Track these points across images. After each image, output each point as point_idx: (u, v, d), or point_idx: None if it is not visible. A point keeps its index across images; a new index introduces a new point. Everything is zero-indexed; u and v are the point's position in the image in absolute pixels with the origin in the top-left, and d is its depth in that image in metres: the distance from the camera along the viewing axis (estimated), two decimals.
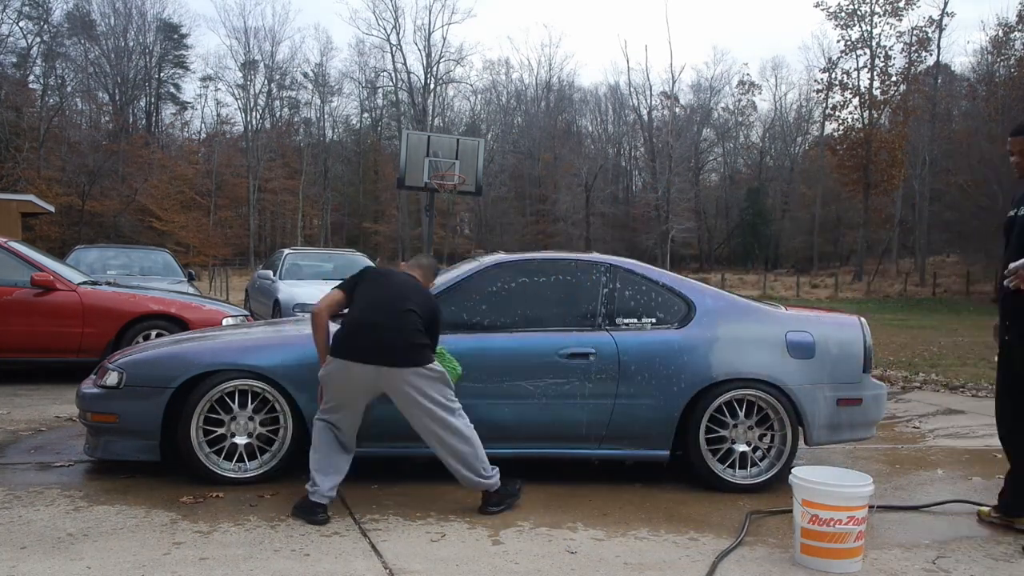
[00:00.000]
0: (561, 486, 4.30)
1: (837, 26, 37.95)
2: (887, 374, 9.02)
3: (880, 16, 37.22)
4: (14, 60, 43.13)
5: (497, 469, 3.86)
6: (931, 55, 38.77)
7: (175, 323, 7.25)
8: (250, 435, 4.17)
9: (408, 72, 53.35)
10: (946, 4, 38.26)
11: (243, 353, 4.21)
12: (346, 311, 3.87)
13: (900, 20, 37.20)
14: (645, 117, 53.84)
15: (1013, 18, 36.73)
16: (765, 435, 4.41)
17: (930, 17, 38.64)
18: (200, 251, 42.29)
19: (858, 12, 37.42)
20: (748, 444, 4.37)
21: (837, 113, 38.47)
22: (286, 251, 12.26)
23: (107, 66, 48.51)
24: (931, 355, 11.73)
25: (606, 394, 4.25)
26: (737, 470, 4.35)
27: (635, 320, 4.41)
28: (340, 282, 4.01)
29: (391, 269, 4.09)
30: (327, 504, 3.67)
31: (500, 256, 4.75)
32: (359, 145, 57.33)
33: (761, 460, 4.40)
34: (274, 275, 10.90)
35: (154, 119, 53.78)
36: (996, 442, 5.93)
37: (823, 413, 4.40)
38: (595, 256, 4.85)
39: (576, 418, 4.27)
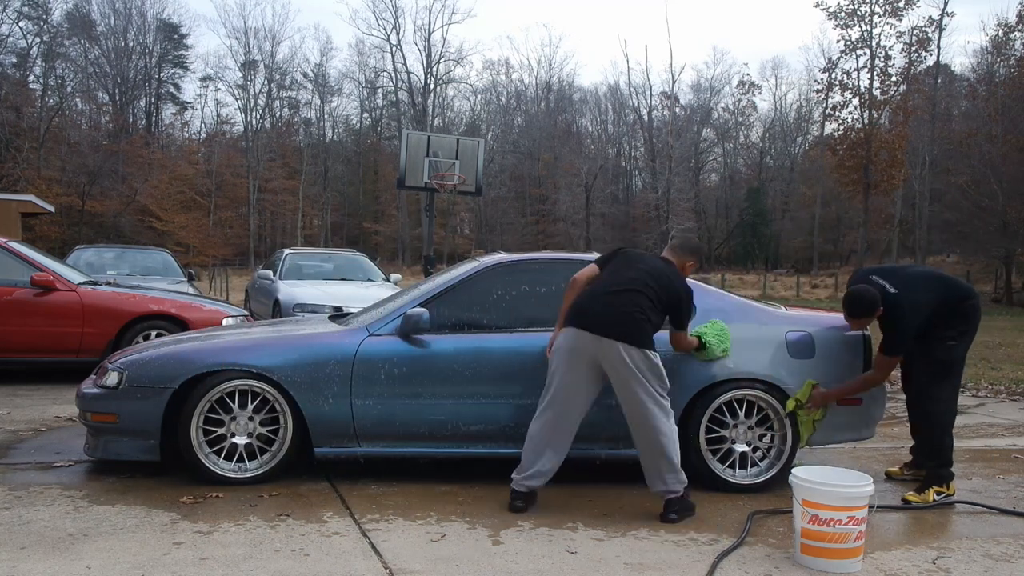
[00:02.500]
0: (561, 486, 4.29)
1: (837, 26, 37.90)
2: None
3: (880, 16, 37.16)
4: (14, 60, 43.16)
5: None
6: (931, 55, 38.73)
7: (175, 323, 7.25)
8: (250, 435, 4.17)
9: (408, 72, 53.46)
10: (946, 4, 38.27)
11: (243, 353, 4.21)
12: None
13: (900, 20, 37.12)
14: (645, 117, 53.85)
15: (1013, 18, 36.71)
16: (765, 435, 4.41)
17: (930, 17, 38.56)
18: (200, 251, 42.31)
19: (858, 12, 37.35)
20: (748, 444, 4.37)
21: (837, 113, 38.42)
22: (286, 251, 12.25)
23: (107, 66, 48.54)
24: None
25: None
26: (737, 470, 4.34)
27: None
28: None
29: (643, 253, 4.19)
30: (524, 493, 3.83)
31: (500, 256, 4.74)
32: (359, 145, 57.34)
33: (761, 460, 4.40)
34: (274, 275, 10.89)
35: (154, 119, 53.83)
36: (996, 442, 5.96)
37: (823, 413, 4.39)
38: (595, 256, 4.85)
39: None
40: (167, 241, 37.87)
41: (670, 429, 3.78)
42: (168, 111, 55.90)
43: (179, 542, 3.30)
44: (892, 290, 4.25)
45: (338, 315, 5.61)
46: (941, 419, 4.37)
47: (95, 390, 4.26)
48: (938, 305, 4.28)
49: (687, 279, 4.13)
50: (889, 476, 4.79)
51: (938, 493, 4.30)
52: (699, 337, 4.22)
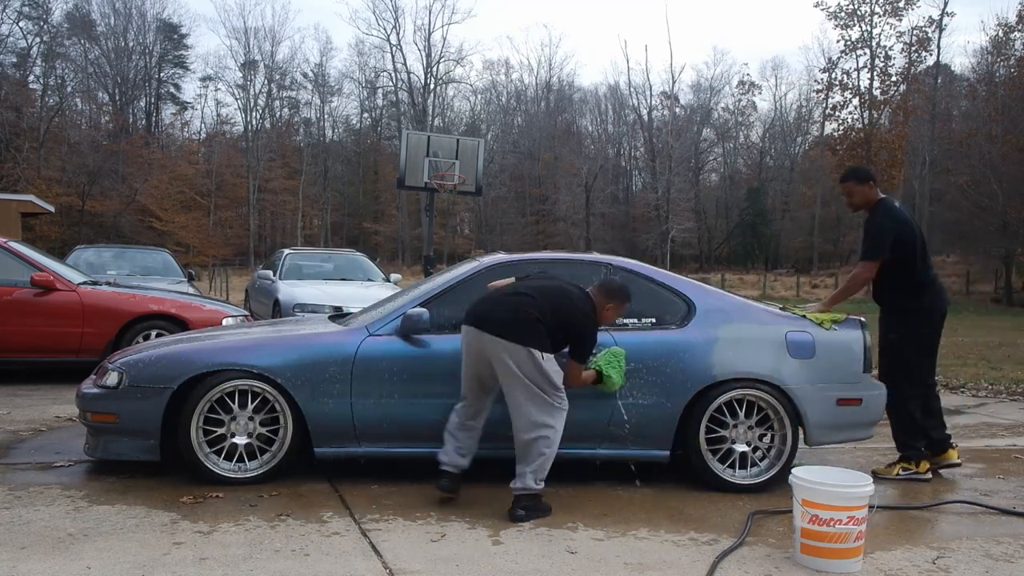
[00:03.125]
0: (561, 486, 4.30)
1: (837, 26, 37.90)
2: None
3: (880, 16, 37.16)
4: (14, 60, 43.16)
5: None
6: (931, 55, 38.75)
7: (175, 323, 7.25)
8: (250, 435, 4.17)
9: (408, 72, 53.45)
10: (946, 4, 38.28)
11: (243, 353, 4.21)
12: None
13: (900, 20, 37.13)
14: (645, 117, 53.85)
15: (1013, 18, 36.69)
16: (765, 435, 4.40)
17: (930, 17, 38.59)
18: (200, 251, 42.30)
19: (858, 12, 37.35)
20: (748, 444, 4.37)
21: (837, 113, 38.41)
22: (286, 251, 12.25)
23: (107, 66, 48.53)
24: None
25: (606, 394, 4.25)
26: (737, 470, 4.34)
27: (635, 320, 4.41)
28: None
29: (558, 278, 4.16)
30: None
31: (500, 256, 4.75)
32: (359, 145, 57.32)
33: (761, 460, 4.39)
34: (274, 275, 10.89)
35: (154, 119, 53.81)
36: (996, 442, 5.96)
37: (823, 413, 4.40)
38: (595, 256, 4.86)
39: (576, 418, 4.25)
40: (167, 241, 37.84)
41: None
42: (168, 111, 55.99)
43: (179, 542, 3.30)
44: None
45: (338, 315, 5.62)
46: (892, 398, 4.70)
47: (95, 390, 4.26)
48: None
49: (602, 323, 4.01)
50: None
51: (904, 470, 4.70)
52: (597, 370, 4.09)
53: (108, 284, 8.00)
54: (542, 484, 3.80)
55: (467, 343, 3.89)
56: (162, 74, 53.56)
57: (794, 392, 4.34)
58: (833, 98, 38.58)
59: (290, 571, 3.03)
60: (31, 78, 44.35)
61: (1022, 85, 33.12)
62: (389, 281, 11.22)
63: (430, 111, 52.07)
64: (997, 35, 37.69)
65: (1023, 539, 3.71)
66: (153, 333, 7.15)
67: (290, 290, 9.78)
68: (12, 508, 3.68)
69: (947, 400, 7.84)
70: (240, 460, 4.16)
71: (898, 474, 4.70)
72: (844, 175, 5.07)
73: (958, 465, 4.88)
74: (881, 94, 36.98)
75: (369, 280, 11.08)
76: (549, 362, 3.76)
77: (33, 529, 3.41)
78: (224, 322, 7.18)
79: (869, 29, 37.45)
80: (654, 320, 4.43)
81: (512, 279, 4.16)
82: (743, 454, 4.35)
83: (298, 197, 49.30)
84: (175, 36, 53.37)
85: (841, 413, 4.44)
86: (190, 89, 66.24)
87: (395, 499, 4.00)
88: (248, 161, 47.40)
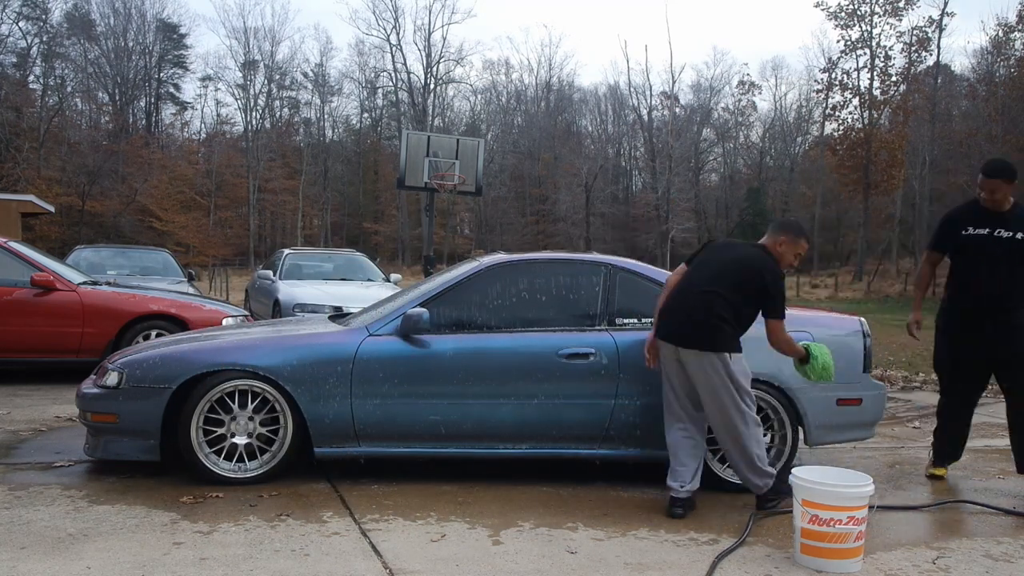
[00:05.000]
0: (561, 486, 4.30)
1: (837, 26, 37.95)
2: (887, 374, 9.01)
3: (880, 16, 37.21)
4: (14, 60, 43.17)
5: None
6: (931, 55, 38.73)
7: (175, 323, 7.25)
8: (250, 435, 4.17)
9: (408, 72, 53.42)
10: (946, 4, 38.22)
11: (243, 353, 4.21)
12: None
13: (900, 20, 37.18)
14: (645, 117, 53.82)
15: (1013, 18, 36.70)
16: (765, 435, 4.40)
17: (930, 17, 38.56)
18: (200, 251, 42.29)
19: (858, 12, 37.39)
20: None
21: (837, 113, 38.46)
22: (286, 251, 12.25)
23: (107, 66, 48.54)
24: (931, 355, 11.70)
25: (606, 394, 4.25)
26: None
27: (635, 320, 4.41)
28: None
29: (732, 242, 4.18)
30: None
31: (500, 256, 4.74)
32: (359, 145, 57.31)
33: None
34: (274, 275, 10.89)
35: (154, 119, 53.82)
36: (996, 442, 5.96)
37: (823, 413, 4.40)
38: (595, 256, 4.85)
39: (576, 418, 4.26)
40: (167, 241, 37.85)
41: (750, 432, 3.85)
42: (168, 111, 55.99)
43: (179, 542, 3.30)
44: None
45: (338, 315, 5.61)
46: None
47: (95, 390, 4.26)
48: None
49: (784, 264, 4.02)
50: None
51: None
52: (807, 348, 4.04)
53: (108, 284, 8.00)
54: (769, 468, 3.91)
55: (665, 357, 3.96)
56: (162, 74, 53.58)
57: (794, 392, 4.34)
58: (833, 98, 38.66)
59: (290, 571, 3.03)
60: (31, 78, 44.43)
61: (1022, 85, 33.14)
62: (389, 281, 11.22)
63: (430, 111, 52.05)
64: (997, 35, 37.76)
65: (1023, 539, 3.71)
66: (153, 333, 7.15)
67: (290, 290, 9.78)
68: (12, 508, 3.68)
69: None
70: (240, 460, 4.16)
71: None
72: (992, 169, 4.46)
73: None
74: (881, 94, 37.01)
75: (369, 280, 11.08)
76: (737, 363, 3.83)
77: (33, 529, 3.41)
78: (224, 322, 7.18)
79: (869, 29, 37.50)
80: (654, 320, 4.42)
81: (683, 266, 4.11)
82: None
83: (298, 197, 49.29)
84: (175, 36, 53.38)
85: (841, 413, 4.45)
86: (190, 89, 66.37)
87: (395, 499, 4.00)
88: (248, 161, 47.39)
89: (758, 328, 4.44)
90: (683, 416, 3.94)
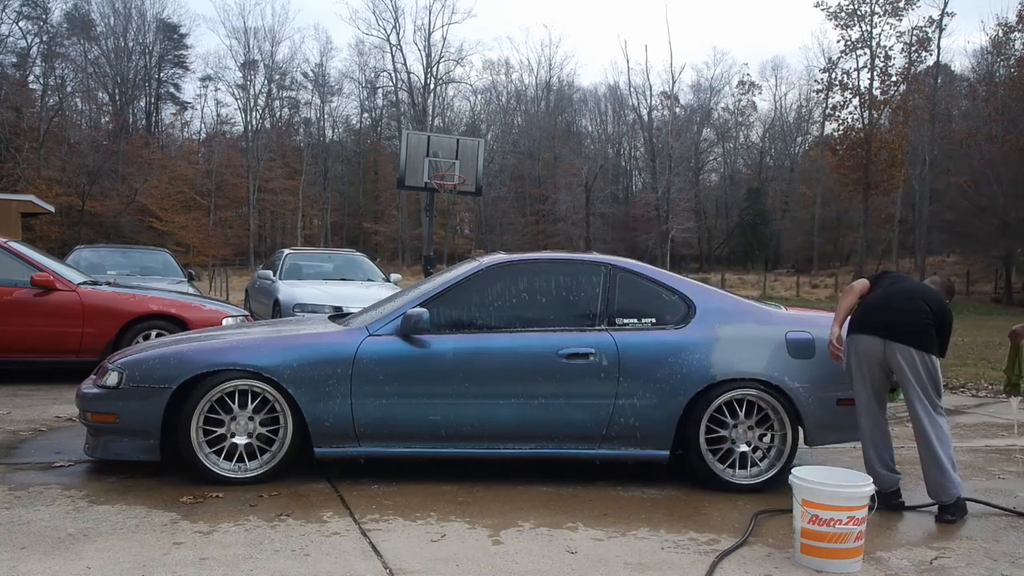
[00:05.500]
0: (561, 486, 4.30)
1: (837, 26, 37.88)
2: None
3: (880, 16, 37.13)
4: (14, 60, 43.15)
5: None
6: (931, 55, 38.66)
7: (175, 323, 7.25)
8: (250, 435, 4.17)
9: (408, 72, 53.43)
10: (946, 4, 38.17)
11: (243, 353, 4.21)
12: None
13: (900, 20, 37.09)
14: (645, 117, 53.84)
15: (1013, 18, 36.67)
16: (765, 435, 4.41)
17: (930, 17, 38.47)
18: (200, 251, 42.29)
19: (858, 12, 37.33)
20: (748, 444, 4.37)
21: (837, 113, 38.39)
22: (286, 251, 12.24)
23: (107, 66, 48.54)
24: None
25: (606, 394, 4.25)
26: (737, 470, 4.34)
27: (635, 320, 4.41)
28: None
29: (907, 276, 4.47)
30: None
31: (500, 256, 4.74)
32: (359, 145, 57.32)
33: (761, 460, 4.40)
34: (274, 275, 10.89)
35: (154, 119, 53.82)
36: (996, 442, 5.96)
37: (823, 413, 4.40)
38: (595, 256, 4.85)
39: (576, 418, 4.26)
40: (167, 241, 37.84)
41: (940, 435, 4.00)
42: (168, 111, 55.98)
43: (179, 542, 3.30)
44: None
45: (338, 315, 5.61)
46: None
47: (95, 390, 4.26)
48: None
49: None
50: None
51: None
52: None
53: (108, 284, 8.00)
54: (958, 478, 4.01)
55: (868, 350, 4.10)
56: (162, 74, 53.58)
57: (794, 392, 4.34)
58: (833, 98, 38.58)
59: (290, 571, 3.03)
60: (31, 78, 44.39)
61: (1022, 85, 33.12)
62: (389, 281, 11.21)
63: (430, 111, 52.06)
64: (997, 35, 37.71)
65: (1023, 539, 3.71)
66: (153, 333, 7.15)
67: (290, 290, 9.78)
68: (12, 508, 3.68)
69: (948, 400, 7.84)
70: (240, 460, 4.16)
71: None
72: None
73: None
74: (881, 94, 36.96)
75: (369, 280, 11.07)
76: (936, 367, 4.03)
77: (33, 529, 3.41)
78: (224, 322, 7.18)
79: (869, 29, 37.44)
80: (654, 320, 4.43)
81: (866, 281, 4.34)
82: (743, 454, 4.35)
83: (298, 197, 49.30)
84: (175, 36, 53.37)
85: (841, 413, 4.44)
86: (190, 89, 66.32)
87: (395, 499, 4.00)
88: (248, 161, 47.40)
89: (758, 328, 4.46)
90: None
